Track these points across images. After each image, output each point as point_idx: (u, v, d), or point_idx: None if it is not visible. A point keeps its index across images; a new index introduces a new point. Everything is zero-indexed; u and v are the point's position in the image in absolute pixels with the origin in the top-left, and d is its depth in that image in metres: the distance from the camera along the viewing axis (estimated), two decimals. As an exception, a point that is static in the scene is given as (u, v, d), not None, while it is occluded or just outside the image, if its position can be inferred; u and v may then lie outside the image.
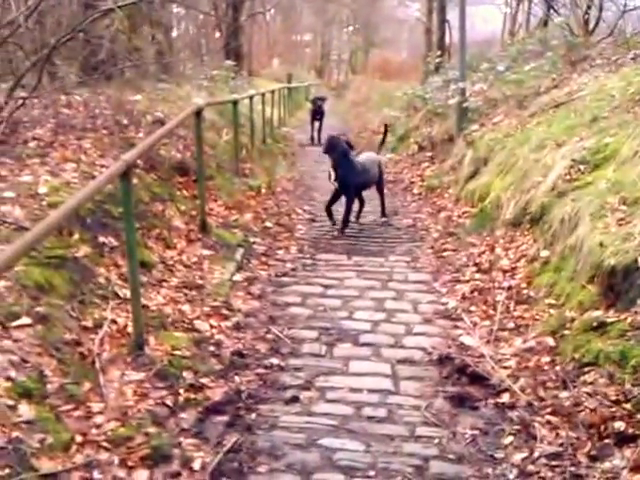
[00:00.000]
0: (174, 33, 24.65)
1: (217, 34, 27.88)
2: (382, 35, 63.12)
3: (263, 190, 12.45)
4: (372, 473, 4.54)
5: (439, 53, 22.50)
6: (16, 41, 10.01)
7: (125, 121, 10.71)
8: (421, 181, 13.83)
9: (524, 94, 12.58)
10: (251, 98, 15.44)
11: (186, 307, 6.82)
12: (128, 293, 6.27)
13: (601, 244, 6.06)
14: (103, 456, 4.46)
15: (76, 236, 6.64)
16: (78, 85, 11.69)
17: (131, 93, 12.07)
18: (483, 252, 8.52)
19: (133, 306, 5.81)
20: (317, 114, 22.36)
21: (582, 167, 7.79)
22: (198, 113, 8.99)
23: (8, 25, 9.60)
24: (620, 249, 5.81)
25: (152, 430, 4.81)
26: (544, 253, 7.23)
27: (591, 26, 14.84)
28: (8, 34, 10.13)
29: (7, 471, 3.92)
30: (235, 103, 12.89)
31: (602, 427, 4.57)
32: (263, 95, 18.62)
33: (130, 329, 5.89)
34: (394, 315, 7.17)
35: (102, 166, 8.23)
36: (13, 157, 8.11)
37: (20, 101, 9.46)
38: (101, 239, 6.97)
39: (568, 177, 7.83)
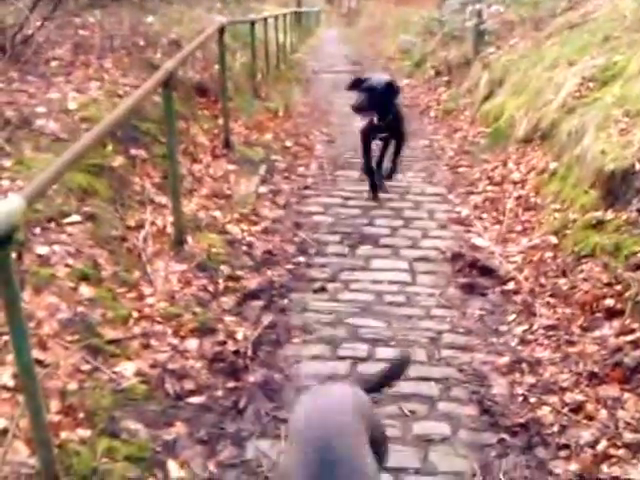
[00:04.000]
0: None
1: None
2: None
3: (281, 113, 13.31)
4: (392, 343, 5.61)
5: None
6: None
7: (142, 42, 11.55)
8: (437, 105, 14.61)
9: (540, 16, 13.37)
10: (265, 20, 16.25)
11: (217, 213, 7.81)
12: (163, 200, 7.30)
13: (603, 152, 6.99)
14: (158, 328, 5.50)
15: (110, 148, 7.58)
16: (89, 6, 12.51)
17: (144, 15, 12.88)
18: (496, 167, 9.47)
19: (173, 204, 6.80)
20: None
21: (591, 84, 8.67)
22: (221, 30, 9.85)
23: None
24: (620, 155, 6.74)
25: (198, 310, 5.87)
26: (552, 165, 8.16)
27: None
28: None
29: (77, 337, 4.95)
30: (253, 23, 13.71)
31: (594, 304, 5.59)
32: (276, 18, 19.31)
33: (169, 230, 6.90)
34: (411, 222, 8.19)
35: (125, 84, 9.06)
36: (38, 76, 8.99)
37: (40, 22, 10.31)
38: (132, 152, 7.88)
39: (578, 94, 8.70)
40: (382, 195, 8.97)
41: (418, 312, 6.12)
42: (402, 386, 5.03)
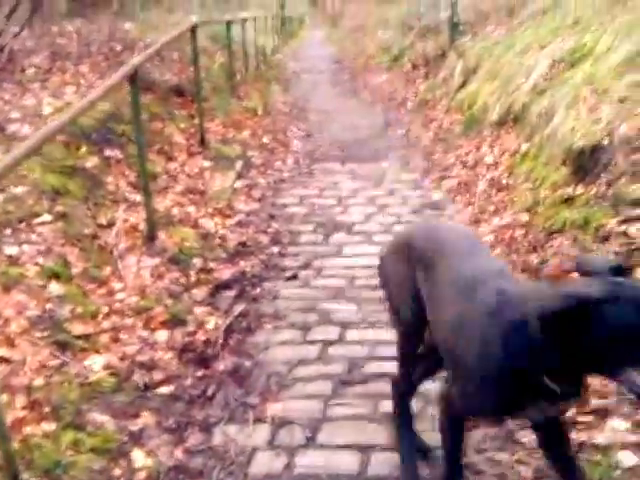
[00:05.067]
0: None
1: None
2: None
3: (259, 112, 13.24)
4: (363, 325, 5.52)
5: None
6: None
7: (119, 47, 11.53)
8: (414, 96, 14.57)
9: (514, 3, 13.30)
10: (244, 21, 16.17)
11: (191, 209, 7.72)
12: (137, 198, 7.21)
13: (573, 129, 6.92)
14: (127, 321, 5.40)
15: (84, 149, 7.53)
16: (67, 15, 12.51)
17: (122, 22, 12.87)
18: (470, 152, 9.38)
19: (145, 200, 6.71)
20: None
21: (561, 65, 8.61)
22: (193, 30, 9.78)
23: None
24: (589, 132, 6.66)
25: (169, 302, 5.77)
26: (524, 146, 8.06)
27: None
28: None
29: (46, 334, 4.86)
30: (229, 23, 13.61)
31: (562, 279, 5.51)
32: (256, 20, 19.25)
33: (141, 227, 6.81)
34: (385, 209, 8.10)
35: (101, 88, 9.02)
36: (14, 83, 8.97)
37: (17, 30, 10.28)
38: (107, 152, 7.85)
39: (548, 76, 8.64)
40: (357, 185, 8.94)
41: (390, 295, 6.03)
42: (371, 367, 4.96)
